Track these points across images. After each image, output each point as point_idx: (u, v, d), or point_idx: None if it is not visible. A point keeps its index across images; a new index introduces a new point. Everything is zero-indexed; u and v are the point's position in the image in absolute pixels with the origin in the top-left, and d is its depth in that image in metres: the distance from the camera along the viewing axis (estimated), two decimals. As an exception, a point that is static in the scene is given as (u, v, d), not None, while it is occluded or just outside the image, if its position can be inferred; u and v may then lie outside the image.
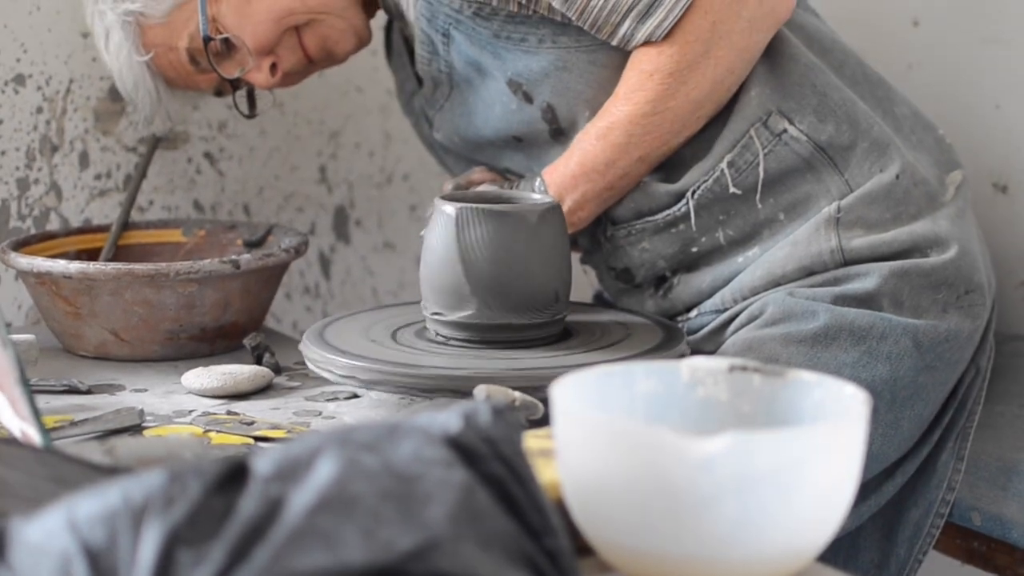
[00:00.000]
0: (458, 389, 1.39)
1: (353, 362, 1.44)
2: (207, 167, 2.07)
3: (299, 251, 1.76)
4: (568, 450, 0.94)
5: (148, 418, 1.46)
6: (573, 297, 1.57)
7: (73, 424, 1.41)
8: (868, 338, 1.55)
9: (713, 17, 1.55)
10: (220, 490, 0.82)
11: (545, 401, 1.27)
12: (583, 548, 0.96)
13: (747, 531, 0.89)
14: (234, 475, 0.83)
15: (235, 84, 1.76)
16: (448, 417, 0.88)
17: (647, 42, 1.57)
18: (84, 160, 1.98)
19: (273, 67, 1.73)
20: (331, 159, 2.17)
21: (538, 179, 1.63)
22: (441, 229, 1.48)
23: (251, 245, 1.86)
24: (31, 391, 1.15)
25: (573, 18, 1.58)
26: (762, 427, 1.02)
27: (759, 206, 1.60)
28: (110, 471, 0.98)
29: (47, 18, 1.93)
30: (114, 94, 1.98)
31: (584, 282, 2.17)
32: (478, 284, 1.46)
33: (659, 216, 1.63)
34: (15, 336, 1.54)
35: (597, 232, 1.70)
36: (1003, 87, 1.91)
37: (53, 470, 0.96)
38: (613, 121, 1.59)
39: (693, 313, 1.66)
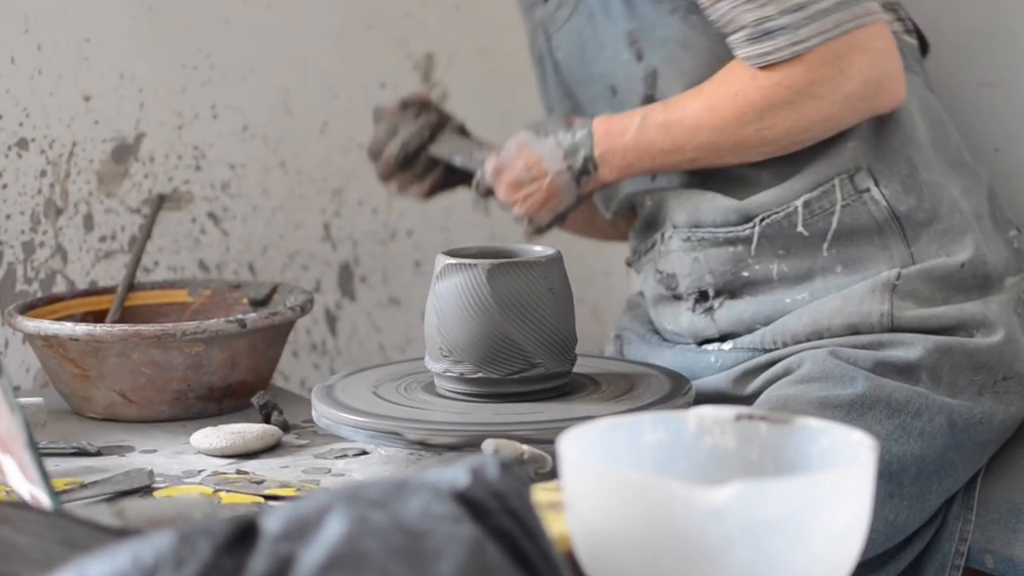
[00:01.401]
0: (467, 443, 1.39)
1: (362, 419, 1.44)
2: (211, 227, 2.08)
3: (305, 309, 1.76)
4: (577, 502, 0.94)
5: (158, 479, 1.46)
6: (583, 349, 1.57)
7: (83, 486, 1.41)
8: (904, 412, 1.54)
9: (814, 76, 1.54)
10: (230, 550, 0.82)
11: (554, 454, 1.27)
12: (594, 600, 0.96)
13: (758, 580, 0.89)
14: (244, 534, 0.83)
15: None
16: (456, 472, 0.88)
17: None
18: (89, 222, 1.98)
19: None
20: (335, 216, 2.18)
21: (585, 128, 1.63)
22: (443, 284, 1.48)
23: (257, 304, 1.86)
24: (40, 454, 1.15)
25: (704, 5, 1.58)
26: (770, 475, 1.02)
27: (824, 254, 1.61)
28: (120, 533, 0.98)
29: (49, 82, 1.94)
30: (117, 156, 1.98)
31: (594, 334, 2.17)
32: (480, 338, 1.46)
33: (721, 230, 1.63)
34: (23, 399, 1.54)
35: (653, 233, 1.70)
36: (1002, 131, 1.91)
37: (63, 533, 0.96)
38: (683, 118, 1.59)
39: (727, 345, 1.65)
